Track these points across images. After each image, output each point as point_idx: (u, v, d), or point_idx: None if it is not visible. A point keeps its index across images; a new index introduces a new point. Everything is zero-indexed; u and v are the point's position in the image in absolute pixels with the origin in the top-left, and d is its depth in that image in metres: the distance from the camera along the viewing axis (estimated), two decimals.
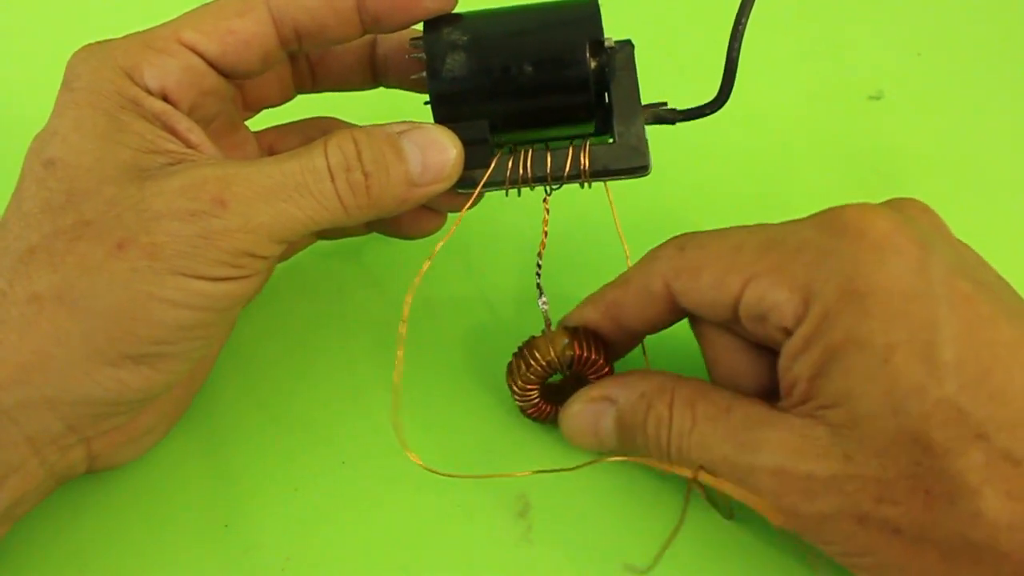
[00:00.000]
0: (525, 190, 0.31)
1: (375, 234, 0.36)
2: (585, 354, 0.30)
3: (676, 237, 0.30)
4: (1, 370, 0.25)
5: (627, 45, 0.31)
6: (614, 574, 0.30)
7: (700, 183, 0.42)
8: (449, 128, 0.30)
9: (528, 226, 0.36)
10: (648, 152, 0.31)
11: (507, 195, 0.31)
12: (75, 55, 0.28)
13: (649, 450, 0.29)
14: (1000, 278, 0.28)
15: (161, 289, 0.25)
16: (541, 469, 0.30)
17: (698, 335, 0.30)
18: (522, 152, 0.30)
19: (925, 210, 0.29)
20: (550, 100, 0.30)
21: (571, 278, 0.34)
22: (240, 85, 0.32)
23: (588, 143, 0.30)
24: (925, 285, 0.24)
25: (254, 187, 0.26)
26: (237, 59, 0.28)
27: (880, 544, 0.25)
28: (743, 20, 0.31)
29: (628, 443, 0.30)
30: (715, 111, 0.32)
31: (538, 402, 0.32)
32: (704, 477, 0.27)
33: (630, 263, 0.31)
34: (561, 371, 0.31)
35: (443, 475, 0.29)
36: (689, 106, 0.32)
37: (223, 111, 0.31)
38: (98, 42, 0.28)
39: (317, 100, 0.35)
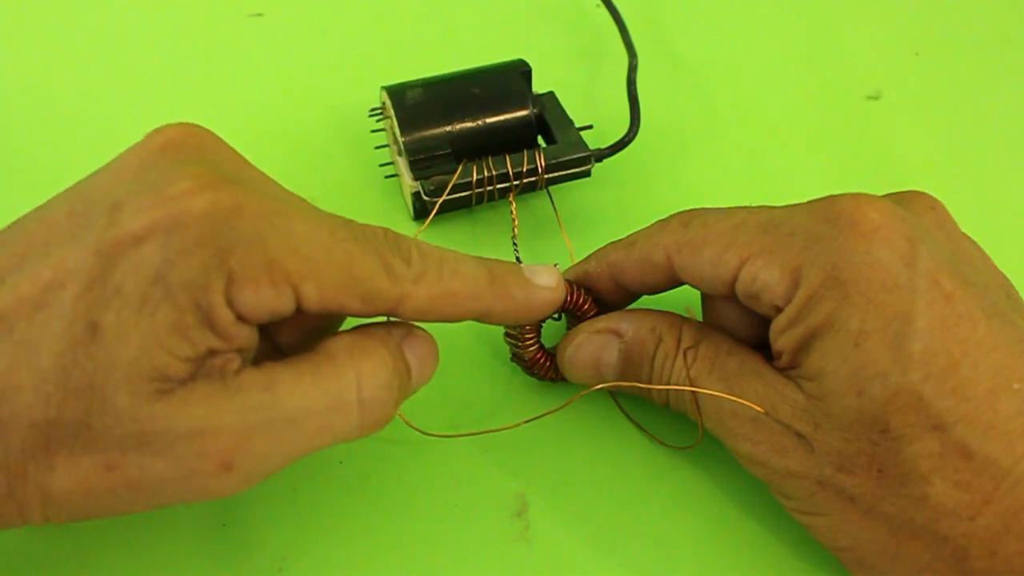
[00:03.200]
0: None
1: None
2: (576, 296, 0.32)
3: (682, 212, 0.31)
4: None
5: (550, 92, 0.39)
6: (612, 573, 0.30)
7: (699, 182, 0.42)
8: (417, 148, 0.35)
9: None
10: (589, 148, 0.37)
11: (473, 203, 0.35)
12: (201, 194, 0.23)
13: (650, 381, 0.31)
14: (996, 279, 0.28)
15: (127, 509, 0.24)
16: (531, 418, 0.32)
17: (702, 294, 0.32)
18: (484, 160, 0.35)
19: (932, 205, 0.30)
20: (497, 116, 0.37)
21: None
22: None
23: (540, 148, 0.36)
24: (907, 278, 0.25)
25: (271, 440, 0.24)
26: (308, 316, 0.26)
27: (836, 507, 0.27)
28: (632, 74, 0.42)
29: (629, 376, 0.31)
30: (631, 141, 0.38)
31: (537, 351, 0.33)
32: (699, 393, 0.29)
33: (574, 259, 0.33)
34: (556, 311, 0.32)
35: (434, 436, 0.31)
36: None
37: None
38: (230, 195, 0.24)
39: None
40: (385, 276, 0.26)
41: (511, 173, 0.35)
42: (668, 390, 0.30)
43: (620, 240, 0.32)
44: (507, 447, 0.32)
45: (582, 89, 0.45)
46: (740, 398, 0.28)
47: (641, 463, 0.32)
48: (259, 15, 0.49)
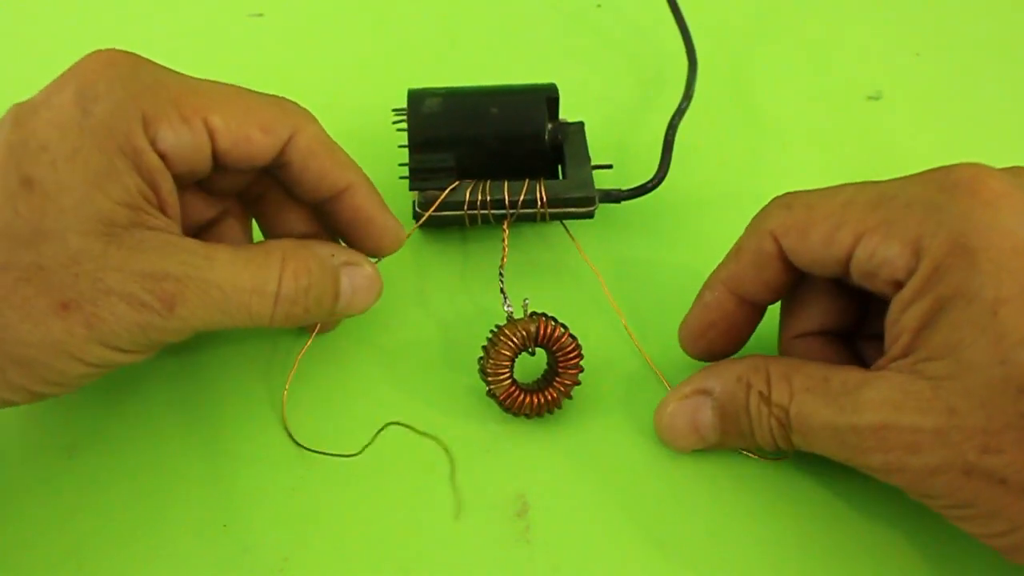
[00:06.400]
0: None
1: None
2: (549, 328, 0.32)
3: (781, 196, 0.30)
4: None
5: (580, 123, 0.37)
6: (612, 575, 0.30)
7: (699, 183, 0.42)
8: (421, 158, 0.35)
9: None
10: (595, 189, 0.35)
11: (468, 225, 0.35)
12: (99, 61, 0.27)
13: (752, 432, 0.30)
14: None
15: (84, 354, 0.26)
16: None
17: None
18: (483, 183, 0.35)
19: None
20: (509, 139, 0.35)
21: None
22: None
23: (542, 181, 0.35)
24: None
25: (204, 297, 0.27)
26: (234, 163, 0.29)
27: (986, 495, 0.25)
28: (677, 118, 0.39)
29: (731, 431, 0.30)
30: (655, 187, 0.37)
31: (510, 385, 0.32)
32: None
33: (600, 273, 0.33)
34: (527, 345, 0.32)
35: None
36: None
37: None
38: (127, 57, 0.28)
39: None
40: (277, 107, 0.30)
41: (507, 201, 0.34)
42: (775, 434, 0.29)
43: (725, 257, 0.31)
44: (508, 447, 0.32)
45: (630, 120, 0.44)
46: (855, 417, 0.26)
47: (642, 463, 0.32)
48: (259, 15, 0.49)
